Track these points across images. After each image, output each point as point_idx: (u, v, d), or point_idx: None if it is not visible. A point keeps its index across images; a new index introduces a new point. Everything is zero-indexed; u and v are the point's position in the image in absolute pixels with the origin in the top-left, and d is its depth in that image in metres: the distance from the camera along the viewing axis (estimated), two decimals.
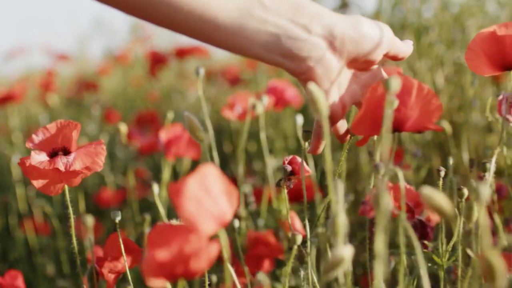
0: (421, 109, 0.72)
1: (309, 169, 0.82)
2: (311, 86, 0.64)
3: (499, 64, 0.79)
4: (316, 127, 0.80)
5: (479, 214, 0.55)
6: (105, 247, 0.88)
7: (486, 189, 0.53)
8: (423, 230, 0.91)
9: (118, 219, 0.82)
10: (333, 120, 0.78)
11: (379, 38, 0.75)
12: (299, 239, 0.72)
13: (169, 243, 0.59)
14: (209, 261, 0.60)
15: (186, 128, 0.76)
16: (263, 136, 1.18)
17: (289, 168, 0.82)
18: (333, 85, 0.76)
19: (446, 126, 1.34)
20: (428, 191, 0.57)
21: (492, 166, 0.81)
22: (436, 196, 0.57)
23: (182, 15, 0.69)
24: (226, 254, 0.60)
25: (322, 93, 0.66)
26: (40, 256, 1.63)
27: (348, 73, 0.77)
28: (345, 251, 0.59)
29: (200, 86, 0.95)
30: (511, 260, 0.78)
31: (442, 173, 0.82)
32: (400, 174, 0.66)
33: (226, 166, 1.83)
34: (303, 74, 0.74)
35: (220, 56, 3.23)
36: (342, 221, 0.65)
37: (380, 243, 0.54)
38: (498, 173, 1.26)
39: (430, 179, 1.37)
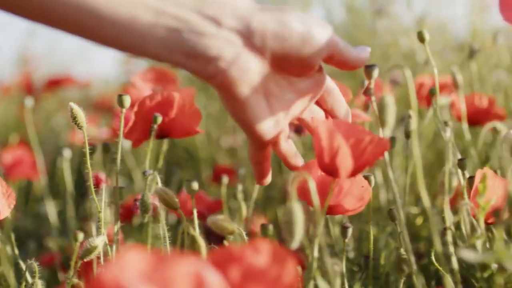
0: (184, 118, 0.84)
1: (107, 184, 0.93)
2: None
3: None
4: (250, 153, 0.68)
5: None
6: None
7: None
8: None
9: None
10: (265, 138, 0.65)
11: (313, 36, 0.60)
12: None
13: None
14: None
15: None
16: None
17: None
18: (256, 93, 0.62)
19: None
20: (163, 189, 0.70)
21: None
22: (169, 193, 0.70)
23: (57, 6, 0.54)
24: None
25: (242, 101, 0.61)
26: None
27: (279, 79, 0.63)
28: (98, 240, 0.71)
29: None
30: None
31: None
32: (158, 178, 0.79)
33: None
34: (213, 78, 0.60)
35: (99, 86, 3.32)
36: (105, 216, 0.78)
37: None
38: None
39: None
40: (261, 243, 0.47)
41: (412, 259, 0.62)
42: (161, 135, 0.86)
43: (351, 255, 1.03)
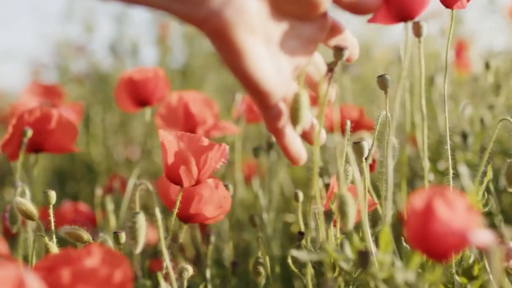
0: (61, 134, 0.86)
1: None
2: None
3: (137, 101, 0.95)
4: (265, 122, 0.58)
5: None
6: None
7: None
8: None
9: None
10: (268, 93, 0.54)
11: None
12: None
13: None
14: None
15: None
16: None
17: None
18: (255, 37, 0.52)
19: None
20: (21, 200, 0.72)
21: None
22: (27, 204, 0.71)
23: None
24: None
25: (240, 48, 0.51)
26: None
27: (280, 23, 0.54)
28: None
29: None
30: None
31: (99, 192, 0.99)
32: (27, 191, 0.80)
33: None
34: (205, 23, 0.50)
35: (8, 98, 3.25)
36: None
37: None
38: None
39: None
40: (94, 247, 0.50)
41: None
42: (37, 149, 0.87)
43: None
